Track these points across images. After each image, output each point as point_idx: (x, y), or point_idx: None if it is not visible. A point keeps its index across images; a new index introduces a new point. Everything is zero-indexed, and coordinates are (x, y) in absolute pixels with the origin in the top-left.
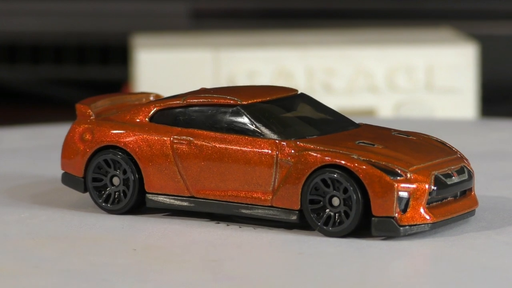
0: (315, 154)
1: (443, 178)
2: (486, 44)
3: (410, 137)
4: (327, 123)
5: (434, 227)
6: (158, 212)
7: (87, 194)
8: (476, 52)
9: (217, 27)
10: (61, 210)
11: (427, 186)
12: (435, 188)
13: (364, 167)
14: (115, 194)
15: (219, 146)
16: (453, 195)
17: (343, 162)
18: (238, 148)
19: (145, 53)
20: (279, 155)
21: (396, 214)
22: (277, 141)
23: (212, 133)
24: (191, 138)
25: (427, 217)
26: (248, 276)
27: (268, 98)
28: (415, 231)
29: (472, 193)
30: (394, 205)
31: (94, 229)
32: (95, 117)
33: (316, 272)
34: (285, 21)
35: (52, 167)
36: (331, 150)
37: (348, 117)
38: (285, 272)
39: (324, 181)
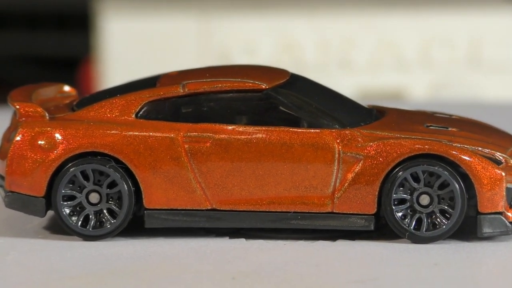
0: (396, 143)
1: None
2: None
3: (454, 116)
4: (352, 105)
5: None
6: (140, 234)
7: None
8: None
9: None
10: (33, 241)
11: None
12: None
13: (466, 155)
14: (97, 216)
15: (251, 143)
16: None
17: (441, 150)
18: (281, 143)
19: (112, 22)
20: (341, 148)
21: (505, 210)
22: (334, 131)
23: (237, 127)
24: (210, 135)
25: None
26: None
27: (282, 81)
28: None
29: None
30: (504, 199)
31: (123, 260)
32: (50, 118)
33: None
34: None
35: None
36: (414, 137)
37: (372, 101)
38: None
39: (413, 175)
